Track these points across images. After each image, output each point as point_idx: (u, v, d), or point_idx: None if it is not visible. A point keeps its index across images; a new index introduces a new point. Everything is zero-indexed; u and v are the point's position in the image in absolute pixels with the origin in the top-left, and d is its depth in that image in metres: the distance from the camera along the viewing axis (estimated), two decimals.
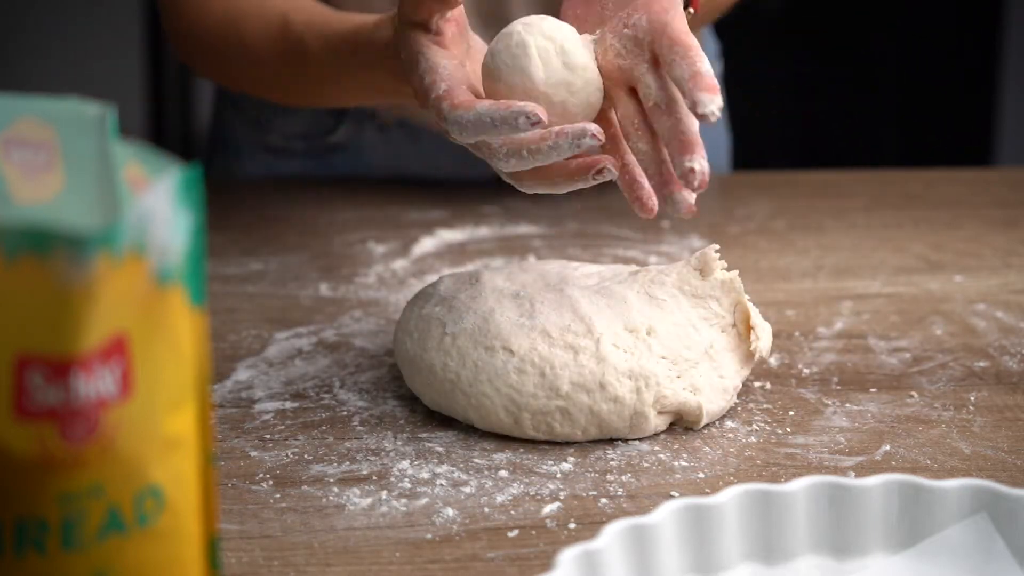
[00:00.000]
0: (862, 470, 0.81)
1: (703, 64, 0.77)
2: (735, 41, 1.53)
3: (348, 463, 0.82)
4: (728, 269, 0.89)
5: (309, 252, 1.17)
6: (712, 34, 1.41)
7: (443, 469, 0.81)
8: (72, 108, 0.58)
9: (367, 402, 0.89)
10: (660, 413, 0.84)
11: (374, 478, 0.80)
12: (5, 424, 0.52)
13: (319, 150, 1.32)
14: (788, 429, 0.86)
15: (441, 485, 0.79)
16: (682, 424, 0.86)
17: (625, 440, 0.84)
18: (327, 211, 1.26)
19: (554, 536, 0.74)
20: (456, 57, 0.85)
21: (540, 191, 0.84)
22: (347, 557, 0.73)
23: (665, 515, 0.66)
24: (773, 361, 0.95)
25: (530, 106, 0.78)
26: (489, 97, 0.82)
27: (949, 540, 0.68)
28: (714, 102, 0.75)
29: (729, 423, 0.87)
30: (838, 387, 0.92)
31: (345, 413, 0.88)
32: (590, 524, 0.75)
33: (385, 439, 0.85)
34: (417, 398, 0.89)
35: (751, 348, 0.88)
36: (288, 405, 0.89)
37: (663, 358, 0.85)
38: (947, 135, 2.87)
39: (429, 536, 0.74)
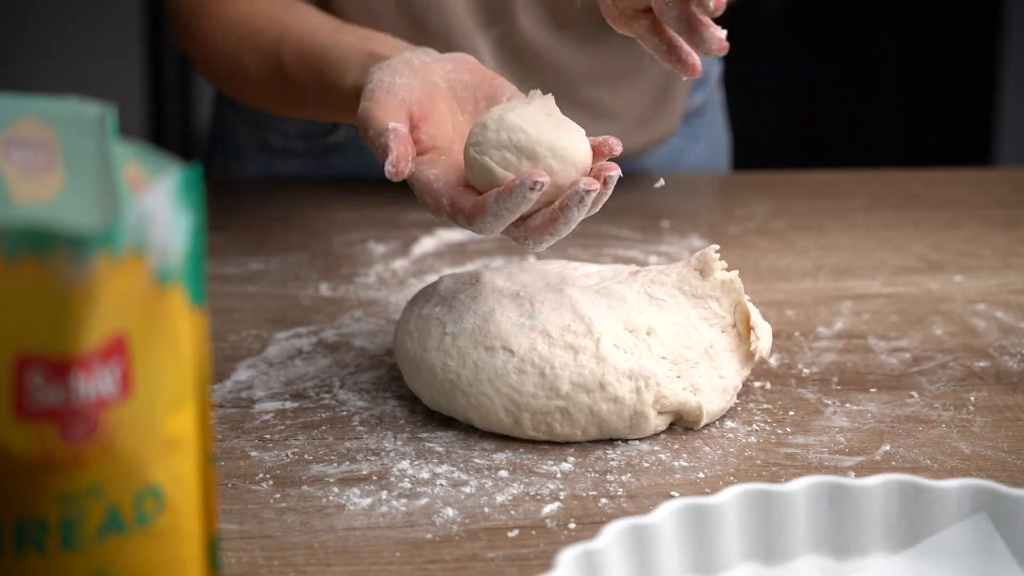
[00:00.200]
0: (862, 470, 0.81)
1: None
2: (735, 41, 1.53)
3: (348, 463, 0.82)
4: (728, 269, 0.89)
5: (309, 252, 1.17)
6: None
7: (443, 469, 0.81)
8: (72, 108, 0.58)
9: (367, 402, 0.89)
10: (660, 413, 0.84)
11: (374, 478, 0.80)
12: (5, 424, 0.52)
13: (319, 150, 1.32)
14: (788, 429, 0.86)
15: (441, 485, 0.79)
16: (682, 424, 0.86)
17: (625, 440, 0.84)
18: (327, 211, 1.26)
19: (554, 536, 0.74)
20: (439, 154, 0.87)
21: (549, 244, 0.84)
22: (347, 557, 0.73)
23: (665, 515, 0.66)
24: (773, 361, 0.95)
25: (527, 174, 0.80)
26: None
27: (949, 540, 0.68)
28: None
29: (729, 423, 0.87)
30: (838, 387, 0.92)
31: (345, 413, 0.88)
32: (590, 524, 0.75)
33: (385, 439, 0.85)
34: (417, 398, 0.89)
35: (751, 348, 0.88)
36: (288, 405, 0.89)
37: (663, 358, 0.85)
38: (947, 135, 2.87)
39: (429, 536, 0.74)
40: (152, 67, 2.65)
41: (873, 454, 0.83)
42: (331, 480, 0.80)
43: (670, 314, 0.87)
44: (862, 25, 2.92)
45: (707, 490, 0.79)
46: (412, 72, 0.90)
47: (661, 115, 1.31)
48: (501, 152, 0.82)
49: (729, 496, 0.67)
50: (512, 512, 0.77)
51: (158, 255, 0.53)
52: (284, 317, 1.03)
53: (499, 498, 0.78)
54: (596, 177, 0.82)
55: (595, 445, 0.84)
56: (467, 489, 0.79)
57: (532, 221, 0.82)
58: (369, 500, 0.78)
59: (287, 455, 0.83)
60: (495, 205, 0.81)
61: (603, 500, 0.78)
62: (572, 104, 1.21)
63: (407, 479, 0.80)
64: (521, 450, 0.83)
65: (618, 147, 0.85)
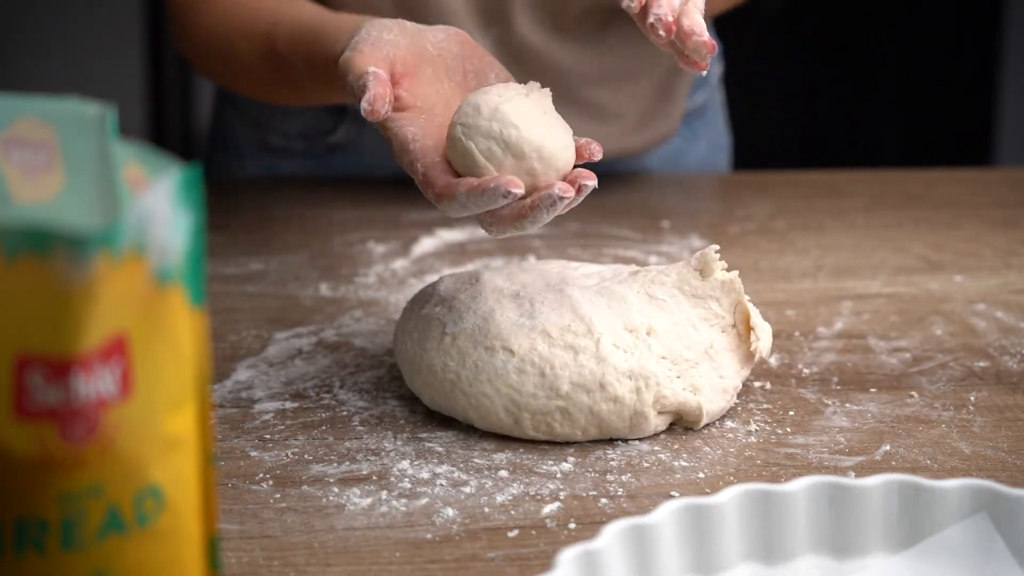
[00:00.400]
0: (862, 470, 0.81)
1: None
2: (735, 41, 1.53)
3: (348, 463, 0.82)
4: (728, 269, 0.89)
5: (309, 252, 1.17)
6: (712, 34, 1.41)
7: (443, 469, 0.81)
8: (72, 108, 0.58)
9: (367, 402, 0.89)
10: (660, 413, 0.84)
11: (374, 478, 0.80)
12: (5, 424, 0.52)
13: (319, 150, 1.32)
14: (788, 429, 0.86)
15: (441, 485, 0.79)
16: (682, 424, 0.86)
17: (625, 440, 0.84)
18: (327, 211, 1.26)
19: (554, 536, 0.74)
20: (421, 113, 0.87)
21: (511, 234, 0.84)
22: (347, 557, 0.73)
23: (665, 515, 0.66)
24: (773, 361, 0.95)
25: (504, 181, 0.80)
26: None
27: (949, 540, 0.68)
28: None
29: (729, 423, 0.87)
30: (838, 387, 0.92)
31: (345, 413, 0.88)
32: (590, 524, 0.75)
33: (385, 439, 0.85)
34: (417, 398, 0.89)
35: (751, 348, 0.88)
36: (288, 405, 0.89)
37: (663, 358, 0.85)
38: (947, 135, 2.87)
39: (429, 536, 0.74)
40: (152, 67, 2.65)
41: (873, 454, 0.83)
42: (331, 480, 0.80)
43: (670, 314, 0.87)
44: (862, 25, 2.92)
45: (707, 490, 0.79)
46: (402, 31, 0.90)
47: (661, 115, 1.31)
48: (489, 142, 0.81)
49: (729, 496, 0.67)
50: (512, 512, 0.77)
51: (158, 255, 0.53)
52: (284, 317, 1.03)
53: (499, 498, 0.78)
54: (572, 183, 0.82)
55: (595, 445, 0.84)
56: (467, 489, 0.79)
57: (500, 211, 0.82)
58: (369, 500, 0.78)
59: (287, 455, 0.83)
60: (464, 196, 0.81)
61: (603, 500, 0.78)
62: (572, 104, 1.21)
63: (407, 479, 0.80)
64: (521, 450, 0.83)
65: (598, 154, 0.85)
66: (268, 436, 0.85)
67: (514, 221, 0.82)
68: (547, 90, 0.85)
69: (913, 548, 0.69)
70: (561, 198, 0.81)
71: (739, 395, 0.90)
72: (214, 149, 1.39)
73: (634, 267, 0.92)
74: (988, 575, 0.67)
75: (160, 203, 0.53)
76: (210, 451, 0.57)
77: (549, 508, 0.77)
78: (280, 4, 1.06)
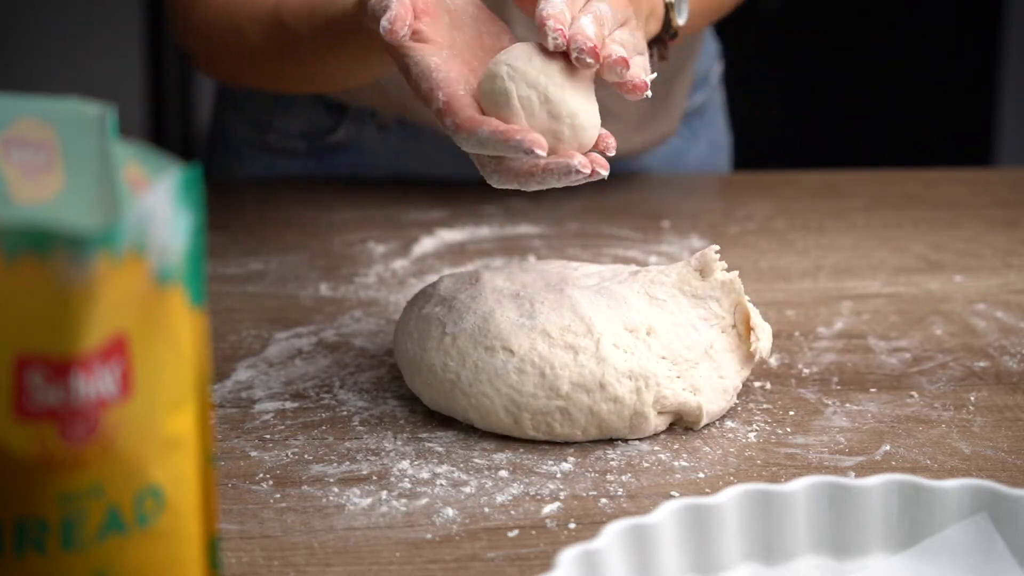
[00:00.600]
0: (862, 470, 0.81)
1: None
2: (735, 41, 1.53)
3: (348, 463, 0.82)
4: (728, 269, 0.89)
5: (309, 252, 1.17)
6: (712, 34, 1.41)
7: (443, 469, 0.81)
8: (72, 108, 0.58)
9: (367, 402, 0.89)
10: (660, 413, 0.84)
11: (374, 478, 0.80)
12: (5, 424, 0.52)
13: (319, 150, 1.32)
14: (788, 429, 0.86)
15: (441, 485, 0.79)
16: (682, 424, 0.86)
17: (625, 440, 0.84)
18: (327, 211, 1.26)
19: (554, 536, 0.74)
20: (443, 47, 0.85)
21: (510, 187, 0.84)
22: (347, 557, 0.73)
23: (665, 515, 0.66)
24: (773, 361, 0.95)
25: (532, 138, 0.79)
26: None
27: (949, 540, 0.68)
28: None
29: (729, 423, 0.87)
30: (838, 387, 0.92)
31: (345, 413, 0.88)
32: (590, 524, 0.75)
33: (385, 439, 0.85)
34: (417, 398, 0.89)
35: (751, 349, 0.88)
36: (288, 405, 0.89)
37: (663, 358, 0.85)
38: (947, 135, 2.87)
39: (429, 536, 0.74)
40: (152, 67, 2.65)
41: (873, 454, 0.83)
42: (331, 480, 0.80)
43: (670, 314, 0.87)
44: (862, 25, 2.93)
45: (707, 490, 0.79)
46: None
47: (661, 115, 1.31)
48: (530, 92, 0.81)
49: (729, 496, 0.67)
50: (512, 512, 0.77)
51: (158, 255, 0.53)
52: (284, 317, 1.03)
53: (499, 498, 0.78)
54: (591, 162, 0.81)
55: (595, 445, 0.84)
56: (467, 489, 0.79)
57: (509, 163, 0.81)
58: (369, 500, 0.78)
59: (287, 455, 0.83)
60: (486, 136, 0.80)
61: (603, 500, 0.78)
62: None
63: (407, 479, 0.80)
64: (521, 450, 0.83)
65: (612, 149, 0.84)
66: (268, 436, 0.85)
67: (521, 176, 0.81)
68: (591, 73, 0.84)
69: (913, 548, 0.69)
70: (578, 171, 0.80)
71: (739, 395, 0.90)
72: (214, 149, 1.39)
73: (634, 267, 0.92)
74: (988, 575, 0.67)
75: (160, 203, 0.53)
76: (210, 451, 0.57)
77: (549, 508, 0.77)
78: None
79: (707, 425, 0.86)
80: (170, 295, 0.54)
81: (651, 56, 0.97)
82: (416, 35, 0.85)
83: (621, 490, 0.79)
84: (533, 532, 0.75)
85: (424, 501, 0.78)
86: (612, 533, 0.64)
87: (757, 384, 0.92)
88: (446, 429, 0.86)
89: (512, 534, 0.75)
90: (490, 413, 0.84)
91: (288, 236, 1.20)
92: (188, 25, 1.15)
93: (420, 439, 0.85)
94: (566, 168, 0.80)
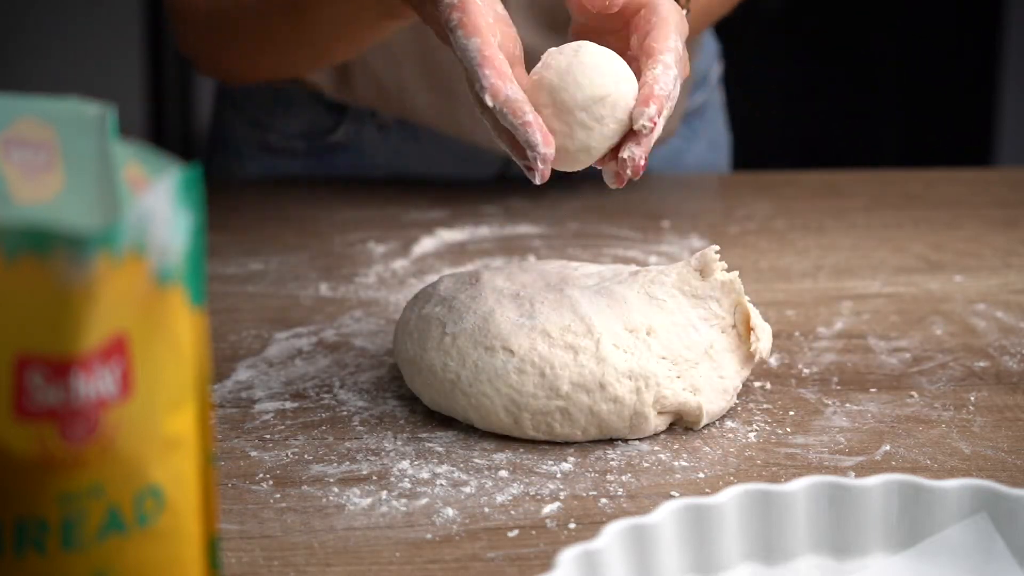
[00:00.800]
0: (862, 470, 0.81)
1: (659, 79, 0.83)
2: (735, 41, 1.53)
3: (348, 463, 0.82)
4: (728, 269, 0.89)
5: (309, 252, 1.17)
6: (712, 34, 1.41)
7: (443, 469, 0.81)
8: (72, 108, 0.58)
9: (367, 402, 0.89)
10: (660, 413, 0.84)
11: (374, 478, 0.80)
12: (5, 424, 0.52)
13: (319, 150, 1.32)
14: (788, 429, 0.86)
15: (441, 485, 0.79)
16: (682, 424, 0.86)
17: (625, 440, 0.84)
18: (327, 211, 1.26)
19: (554, 536, 0.74)
20: (489, 12, 0.85)
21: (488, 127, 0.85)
22: (347, 557, 0.73)
23: (665, 515, 0.66)
24: (773, 361, 0.95)
25: (542, 149, 0.80)
26: (528, 88, 0.83)
27: (949, 540, 0.68)
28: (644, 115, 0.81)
29: (729, 423, 0.87)
30: (838, 387, 0.92)
31: (345, 413, 0.88)
32: (590, 524, 0.75)
33: (385, 439, 0.85)
34: (417, 398, 0.89)
35: (751, 349, 0.88)
36: (288, 405, 0.89)
37: (663, 358, 0.85)
38: (947, 135, 2.87)
39: (429, 536, 0.74)
40: (152, 67, 2.65)
41: (873, 454, 0.83)
42: (331, 480, 0.80)
43: (670, 314, 0.87)
44: (862, 25, 2.93)
45: (707, 490, 0.79)
46: None
47: None
48: (603, 128, 0.82)
49: (729, 496, 0.67)
50: (512, 512, 0.77)
51: (158, 255, 0.53)
52: (284, 317, 1.03)
53: (499, 498, 0.78)
54: (527, 162, 0.82)
55: (595, 445, 0.84)
56: (467, 489, 0.79)
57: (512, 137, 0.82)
58: (369, 500, 0.78)
59: (287, 455, 0.83)
60: (502, 107, 0.80)
61: (603, 500, 0.78)
62: None
63: (407, 479, 0.80)
64: (521, 450, 0.83)
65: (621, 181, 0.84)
66: (268, 436, 0.85)
67: (517, 149, 0.83)
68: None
69: (913, 548, 0.69)
70: (528, 168, 0.82)
71: (739, 395, 0.90)
72: (214, 149, 1.39)
73: (634, 267, 0.92)
74: (988, 575, 0.67)
75: (160, 203, 0.53)
76: (210, 451, 0.57)
77: (549, 508, 0.77)
78: None
79: (707, 425, 0.86)
80: (170, 295, 0.54)
81: None
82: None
83: (621, 490, 0.79)
84: (533, 532, 0.75)
85: (424, 501, 0.78)
86: (612, 533, 0.64)
87: (757, 384, 0.92)
88: (446, 429, 0.86)
89: (512, 534, 0.75)
90: (490, 413, 0.84)
91: (288, 236, 1.20)
92: (184, 5, 1.15)
93: (420, 439, 0.85)
94: (542, 161, 0.81)
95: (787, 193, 1.34)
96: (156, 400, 0.54)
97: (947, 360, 0.96)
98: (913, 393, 0.91)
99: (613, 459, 0.82)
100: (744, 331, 0.88)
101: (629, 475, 0.81)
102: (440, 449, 0.83)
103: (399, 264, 1.14)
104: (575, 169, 0.84)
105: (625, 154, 0.82)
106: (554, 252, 1.16)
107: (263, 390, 0.91)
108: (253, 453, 0.83)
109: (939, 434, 0.86)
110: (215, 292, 1.05)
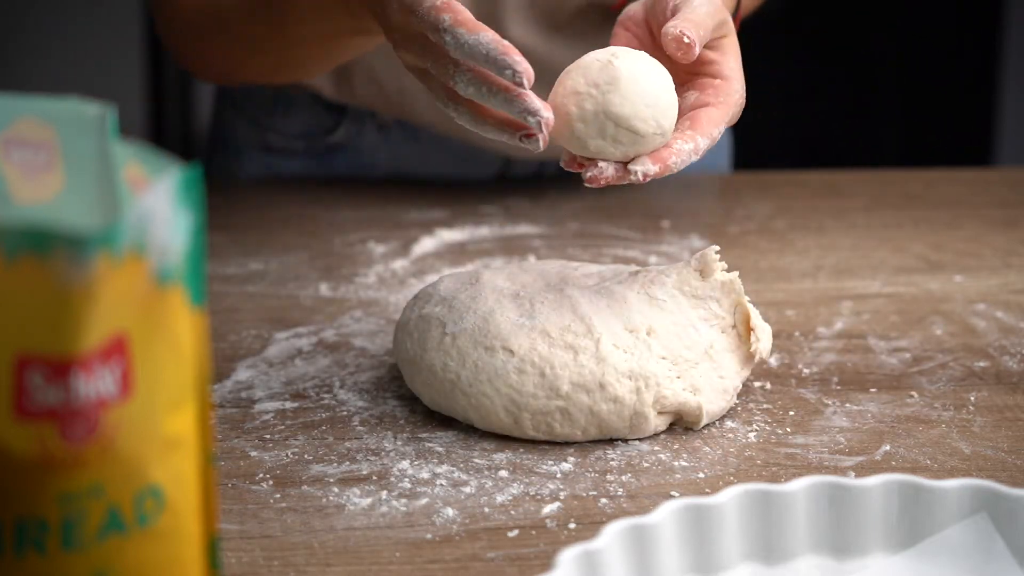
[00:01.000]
0: (862, 470, 0.81)
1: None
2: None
3: (348, 463, 0.82)
4: (728, 270, 0.89)
5: (309, 252, 1.17)
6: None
7: (443, 469, 0.81)
8: (72, 108, 0.58)
9: (367, 402, 0.89)
10: (660, 413, 0.84)
11: (374, 478, 0.80)
12: (5, 424, 0.52)
13: (319, 150, 1.32)
14: (788, 429, 0.86)
15: (441, 485, 0.79)
16: (682, 424, 0.86)
17: (625, 440, 0.84)
18: (327, 211, 1.26)
19: (554, 536, 0.74)
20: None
21: (465, 124, 0.85)
22: (347, 557, 0.73)
23: (665, 515, 0.66)
24: (773, 361, 0.95)
25: (523, 66, 0.80)
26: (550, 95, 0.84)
27: (949, 540, 0.68)
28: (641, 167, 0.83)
29: (729, 423, 0.87)
30: (838, 387, 0.92)
31: (345, 413, 0.88)
32: (590, 524, 0.75)
33: (385, 439, 0.85)
34: (417, 398, 0.89)
35: (751, 349, 0.88)
36: (288, 405, 0.89)
37: (663, 358, 0.85)
38: (947, 135, 2.87)
39: (429, 536, 0.74)
40: (152, 67, 2.65)
41: (873, 454, 0.83)
42: (331, 480, 0.80)
43: (670, 314, 0.87)
44: (862, 25, 2.92)
45: (707, 490, 0.79)
46: None
47: None
48: (607, 134, 0.82)
49: (729, 496, 0.67)
50: (512, 512, 0.77)
51: (158, 255, 0.53)
52: (284, 317, 1.03)
53: (499, 498, 0.78)
54: (525, 128, 0.82)
55: (595, 445, 0.84)
56: (467, 489, 0.79)
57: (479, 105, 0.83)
58: (369, 500, 0.78)
59: (287, 455, 0.83)
60: (485, 43, 0.80)
61: (603, 500, 0.78)
62: None
63: (407, 479, 0.80)
64: (521, 450, 0.83)
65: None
66: (268, 436, 0.85)
67: (478, 119, 0.83)
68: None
69: (913, 548, 0.69)
70: (528, 136, 0.82)
71: (739, 395, 0.90)
72: (214, 149, 1.39)
73: (634, 267, 0.92)
74: (988, 575, 0.67)
75: (160, 203, 0.53)
76: (210, 451, 0.57)
77: (549, 508, 0.77)
78: None
79: (707, 425, 0.86)
80: (170, 295, 0.54)
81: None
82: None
83: (621, 490, 0.79)
84: (533, 532, 0.75)
85: (424, 501, 0.78)
86: (612, 533, 0.64)
87: (757, 384, 0.92)
88: (446, 429, 0.86)
89: (512, 534, 0.75)
90: (490, 413, 0.84)
91: (288, 236, 1.20)
92: (171, 13, 1.16)
93: (420, 439, 0.85)
94: (533, 117, 0.80)
95: (787, 193, 1.34)
96: (156, 400, 0.54)
97: (947, 360, 0.96)
98: (913, 393, 0.91)
99: (613, 459, 0.82)
100: (744, 331, 0.88)
101: (629, 475, 0.81)
102: (440, 449, 0.83)
103: (399, 264, 1.14)
104: (557, 147, 0.84)
105: (593, 173, 0.83)
106: (554, 252, 1.16)
107: (263, 390, 0.91)
108: (253, 453, 0.83)
109: (939, 434, 0.86)
110: (215, 292, 1.05)
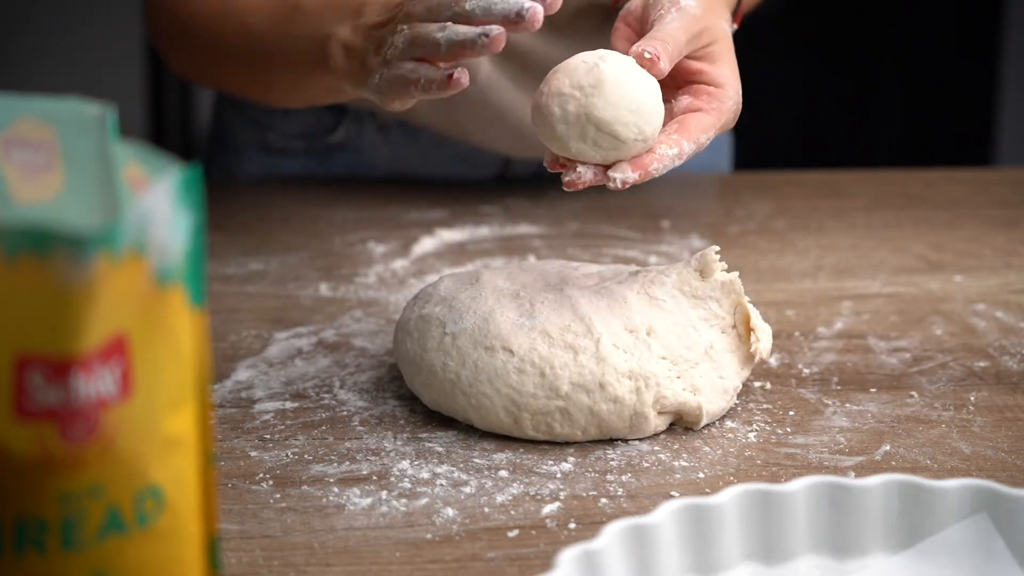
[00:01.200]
0: (862, 470, 0.81)
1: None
2: (735, 41, 1.53)
3: (348, 463, 0.82)
4: (728, 270, 0.89)
5: (309, 252, 1.17)
6: None
7: (443, 469, 0.81)
8: (72, 108, 0.58)
9: (367, 402, 0.89)
10: (660, 413, 0.84)
11: (374, 478, 0.80)
12: (5, 424, 0.52)
13: (319, 150, 1.32)
14: (788, 429, 0.86)
15: (441, 485, 0.79)
16: (682, 424, 0.86)
17: (625, 440, 0.84)
18: (327, 211, 1.25)
19: (554, 536, 0.74)
20: None
21: (396, 107, 0.87)
22: (347, 557, 0.73)
23: (665, 515, 0.66)
24: (773, 361, 0.95)
25: (495, 30, 0.82)
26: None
27: (949, 540, 0.68)
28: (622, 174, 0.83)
29: (729, 423, 0.87)
30: (838, 387, 0.92)
31: (345, 413, 0.88)
32: (590, 524, 0.75)
33: (385, 439, 0.85)
34: (417, 398, 0.89)
35: (751, 349, 0.88)
36: (288, 405, 0.89)
37: (663, 358, 0.85)
38: (947, 135, 2.87)
39: (429, 536, 0.74)
40: (152, 67, 2.65)
41: (873, 454, 0.83)
42: (331, 480, 0.80)
43: (670, 314, 0.87)
44: (862, 25, 2.92)
45: (707, 490, 0.79)
46: None
47: None
48: (583, 135, 0.82)
49: (729, 496, 0.67)
50: (512, 512, 0.77)
51: (158, 255, 0.53)
52: (284, 317, 1.03)
53: (499, 498, 0.78)
54: (446, 77, 0.84)
55: (595, 445, 0.84)
56: (467, 489, 0.79)
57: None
58: (369, 500, 0.78)
59: (287, 455, 0.83)
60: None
61: (603, 500, 0.78)
62: None
63: (407, 479, 0.80)
64: (521, 450, 0.83)
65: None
66: (268, 436, 0.85)
67: (422, 82, 0.85)
68: None
69: (913, 548, 0.69)
70: (452, 77, 0.84)
71: (739, 395, 0.90)
72: (214, 149, 1.39)
73: (634, 267, 0.92)
74: (988, 575, 0.67)
75: (160, 203, 0.53)
76: (210, 451, 0.57)
77: (549, 508, 0.77)
78: None
79: (707, 425, 0.86)
80: (170, 295, 0.54)
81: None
82: None
83: (621, 490, 0.79)
84: (533, 532, 0.75)
85: (424, 501, 0.78)
86: (612, 533, 0.64)
87: (757, 384, 0.92)
88: (446, 429, 0.86)
89: (512, 534, 0.75)
90: (490, 413, 0.84)
91: (288, 236, 1.20)
92: (169, 21, 1.16)
93: (420, 439, 0.85)
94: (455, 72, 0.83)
95: (787, 193, 1.34)
96: (156, 400, 0.54)
97: (947, 360, 0.96)
98: (913, 393, 0.91)
99: (613, 459, 0.82)
100: (744, 331, 0.88)
101: (629, 475, 0.81)
102: (440, 449, 0.83)
103: (399, 264, 1.14)
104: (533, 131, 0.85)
105: (572, 177, 0.83)
106: (554, 252, 1.16)
107: (263, 390, 0.91)
108: (253, 453, 0.83)
109: (939, 434, 0.86)
110: (215, 292, 1.05)
